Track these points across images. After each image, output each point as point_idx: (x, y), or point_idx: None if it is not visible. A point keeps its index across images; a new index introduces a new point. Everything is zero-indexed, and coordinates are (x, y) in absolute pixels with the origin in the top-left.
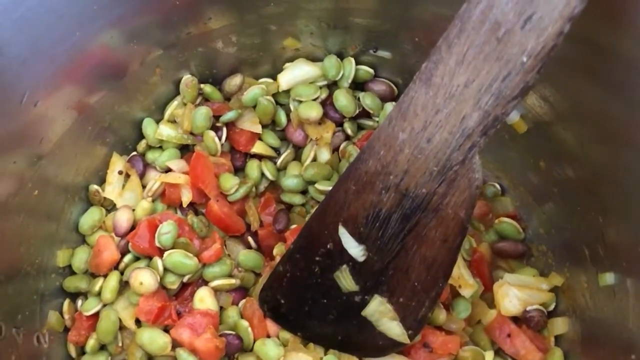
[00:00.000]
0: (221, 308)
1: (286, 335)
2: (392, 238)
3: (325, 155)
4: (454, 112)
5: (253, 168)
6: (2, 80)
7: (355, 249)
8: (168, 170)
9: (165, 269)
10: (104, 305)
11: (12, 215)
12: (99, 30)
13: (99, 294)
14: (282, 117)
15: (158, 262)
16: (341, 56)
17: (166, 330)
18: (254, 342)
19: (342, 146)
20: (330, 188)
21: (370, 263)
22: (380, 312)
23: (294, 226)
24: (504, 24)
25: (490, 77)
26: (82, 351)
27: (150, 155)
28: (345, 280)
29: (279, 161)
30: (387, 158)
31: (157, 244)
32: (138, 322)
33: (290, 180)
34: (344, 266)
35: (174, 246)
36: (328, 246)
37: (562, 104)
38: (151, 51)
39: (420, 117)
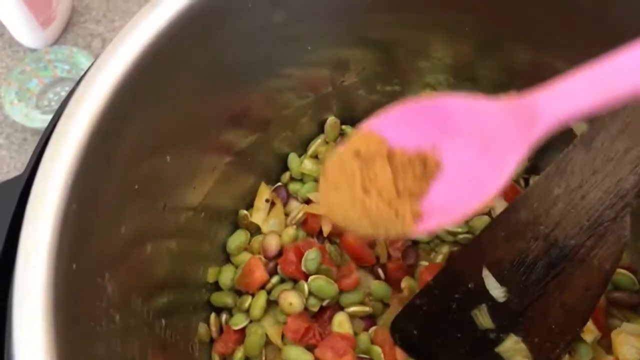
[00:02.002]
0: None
1: None
2: (535, 283)
3: None
4: (611, 174)
5: None
6: (196, 115)
7: (497, 291)
8: (307, 200)
9: (310, 293)
10: (251, 321)
11: (186, 235)
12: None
13: (246, 310)
14: None
15: (304, 285)
16: None
17: (308, 348)
18: None
19: None
20: (458, 229)
21: (509, 304)
22: (514, 350)
23: (424, 263)
24: None
25: None
26: None
27: (292, 187)
28: (483, 318)
29: None
30: (539, 210)
31: (303, 269)
32: (282, 339)
33: None
34: (483, 305)
35: (317, 272)
36: (469, 285)
37: None
38: (309, 98)
39: (577, 176)
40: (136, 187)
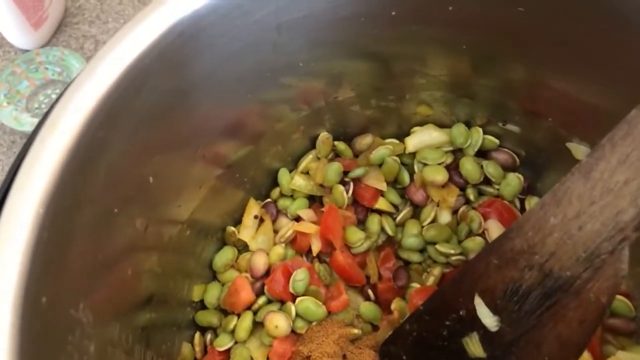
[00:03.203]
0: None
1: None
2: (528, 313)
3: (446, 217)
4: (610, 206)
5: (374, 222)
6: (186, 128)
7: (489, 319)
8: (297, 218)
9: (297, 314)
10: (236, 342)
11: (170, 253)
12: (265, 94)
13: (232, 331)
14: (406, 177)
15: (291, 307)
16: (468, 125)
17: None
18: None
19: (461, 210)
20: (450, 250)
21: (502, 333)
22: None
23: (415, 285)
24: None
25: None
26: None
27: (282, 203)
28: (474, 346)
29: (398, 218)
30: (534, 239)
31: (290, 290)
32: None
33: (412, 240)
34: (474, 333)
35: (305, 293)
36: (460, 312)
37: None
38: (301, 113)
39: (574, 206)
40: (115, 210)
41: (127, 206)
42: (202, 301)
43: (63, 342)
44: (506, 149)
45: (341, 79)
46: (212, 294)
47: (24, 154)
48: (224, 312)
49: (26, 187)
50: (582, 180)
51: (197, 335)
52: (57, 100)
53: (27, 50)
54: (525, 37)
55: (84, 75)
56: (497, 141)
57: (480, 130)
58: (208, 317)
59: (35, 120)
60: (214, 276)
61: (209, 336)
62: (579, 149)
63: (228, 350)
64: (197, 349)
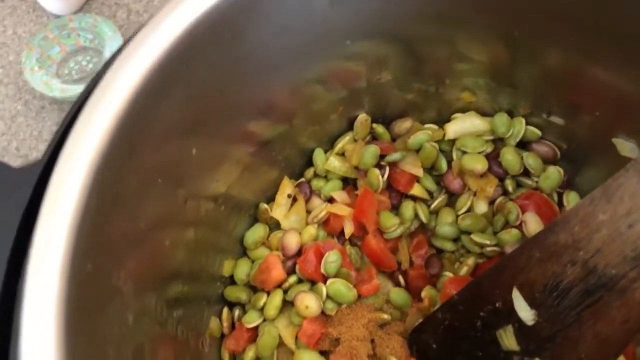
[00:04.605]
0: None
1: None
2: (567, 309)
3: (482, 207)
4: None
5: (408, 208)
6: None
7: (526, 313)
8: (330, 199)
9: (327, 296)
10: (264, 320)
11: (205, 227)
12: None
13: (261, 308)
14: (443, 164)
15: (322, 288)
16: (511, 114)
17: (322, 353)
18: None
19: (498, 200)
20: (485, 241)
21: (538, 328)
22: None
23: (447, 274)
24: None
25: None
26: (233, 359)
27: (316, 183)
28: (508, 339)
29: (432, 205)
30: (580, 234)
31: (322, 271)
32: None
33: (447, 228)
34: (509, 326)
35: (336, 275)
36: (496, 304)
37: None
38: (341, 93)
39: (626, 203)
40: (160, 180)
41: (170, 177)
42: (231, 277)
43: (106, 311)
44: (548, 141)
45: (385, 61)
46: (242, 270)
47: (72, 117)
48: (253, 289)
49: (77, 151)
50: (636, 178)
51: (225, 310)
52: (108, 64)
53: (59, 16)
54: (575, 27)
55: (138, 41)
56: (539, 132)
57: (523, 120)
58: (237, 293)
59: (65, 87)
60: (244, 252)
61: (237, 312)
62: (625, 145)
63: (256, 328)
64: (225, 324)
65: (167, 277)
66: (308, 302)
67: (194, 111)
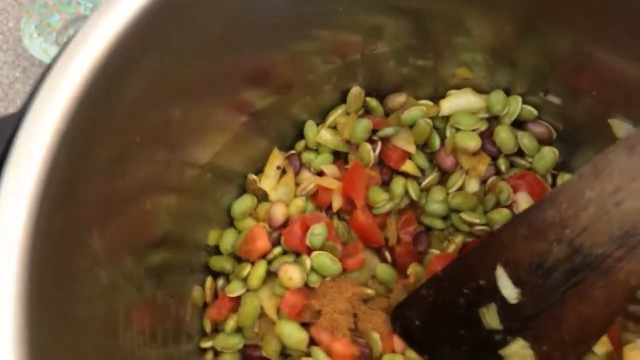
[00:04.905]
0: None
1: (412, 355)
2: (551, 288)
3: (474, 186)
4: None
5: (399, 185)
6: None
7: (510, 291)
8: (320, 172)
9: (311, 268)
10: (247, 290)
11: (189, 194)
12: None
13: (244, 278)
14: (437, 141)
15: (307, 260)
16: (507, 92)
17: (303, 326)
18: (381, 355)
19: (490, 180)
20: (475, 220)
21: (521, 307)
22: (519, 356)
23: (434, 251)
24: None
25: None
26: (214, 328)
27: (306, 156)
28: (491, 317)
29: (423, 182)
30: (568, 212)
31: (307, 243)
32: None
33: (436, 205)
34: (492, 304)
35: (321, 248)
36: (480, 282)
37: None
38: (335, 63)
39: (614, 180)
40: (138, 139)
41: (151, 137)
42: (217, 246)
43: (75, 266)
44: (544, 121)
45: (380, 32)
46: (228, 240)
47: (43, 77)
48: (238, 260)
49: (48, 103)
50: (626, 154)
51: (209, 279)
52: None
53: None
54: (577, 5)
55: None
56: (535, 112)
57: (520, 99)
58: (221, 263)
59: None
60: (231, 223)
61: (220, 282)
62: (621, 126)
63: (238, 298)
64: (208, 292)
65: (148, 242)
66: (291, 274)
67: (180, 72)
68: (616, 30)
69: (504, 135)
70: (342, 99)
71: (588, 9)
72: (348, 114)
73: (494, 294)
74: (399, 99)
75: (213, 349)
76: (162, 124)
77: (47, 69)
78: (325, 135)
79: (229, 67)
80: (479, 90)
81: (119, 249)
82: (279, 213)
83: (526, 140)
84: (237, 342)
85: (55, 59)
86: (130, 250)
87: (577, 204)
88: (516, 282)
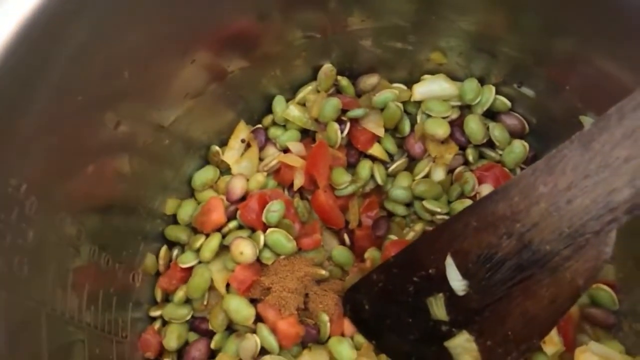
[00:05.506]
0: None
1: (361, 339)
2: (498, 283)
3: (439, 174)
4: (604, 183)
5: (365, 168)
6: (178, 28)
7: (457, 282)
8: (285, 149)
9: (265, 245)
10: (199, 262)
11: (144, 159)
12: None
13: (197, 250)
14: (407, 126)
15: (261, 236)
16: (482, 82)
17: (252, 302)
18: (329, 338)
19: (457, 170)
20: (437, 209)
21: (468, 299)
22: (463, 348)
23: (393, 237)
24: None
25: None
26: (166, 298)
27: (273, 132)
28: (438, 308)
29: (391, 168)
30: (519, 206)
31: (263, 219)
32: (227, 288)
33: (400, 191)
34: (440, 294)
35: (277, 225)
36: (430, 271)
37: None
38: (305, 35)
39: (567, 176)
40: (79, 98)
41: (95, 96)
42: (174, 216)
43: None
44: (517, 114)
45: (354, 3)
46: (186, 210)
47: None
48: (195, 231)
49: None
50: (580, 150)
51: (164, 248)
52: None
53: None
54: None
55: None
56: (508, 103)
57: (494, 88)
58: (177, 233)
59: None
60: (192, 194)
61: (175, 252)
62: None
63: (190, 269)
64: (162, 262)
65: (93, 203)
66: (243, 249)
67: (127, 31)
68: (601, 30)
69: (473, 125)
70: (314, 76)
71: (579, 9)
72: (318, 92)
73: (442, 284)
74: (371, 80)
75: (162, 318)
76: (109, 84)
77: None
78: (294, 112)
79: (191, 23)
80: (453, 77)
81: (54, 208)
82: (237, 187)
83: (497, 132)
84: (185, 313)
85: None
86: (69, 211)
87: (529, 199)
88: (464, 274)
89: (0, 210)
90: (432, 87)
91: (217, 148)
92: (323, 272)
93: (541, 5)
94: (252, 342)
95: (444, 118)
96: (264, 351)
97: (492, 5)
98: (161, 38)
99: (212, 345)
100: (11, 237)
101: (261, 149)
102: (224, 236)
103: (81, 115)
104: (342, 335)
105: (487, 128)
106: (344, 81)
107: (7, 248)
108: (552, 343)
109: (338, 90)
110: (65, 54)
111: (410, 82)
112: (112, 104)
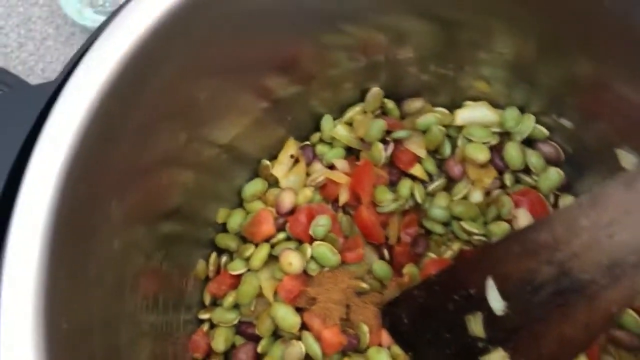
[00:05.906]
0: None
1: (397, 350)
2: (536, 306)
3: (477, 196)
4: None
5: (406, 187)
6: (243, 57)
7: (497, 303)
8: (331, 166)
9: (311, 257)
10: (249, 270)
11: (205, 172)
12: (327, 37)
13: (247, 258)
14: (447, 149)
15: (308, 249)
16: (522, 110)
17: (298, 310)
18: (367, 347)
19: (494, 193)
20: (474, 229)
21: (506, 319)
22: None
23: (431, 254)
24: None
25: None
26: (213, 302)
27: (320, 148)
28: (476, 325)
29: (430, 187)
30: (561, 236)
31: (310, 232)
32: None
33: (438, 211)
34: (479, 313)
35: (324, 238)
36: (470, 291)
37: None
38: (359, 62)
39: (609, 213)
40: (163, 120)
41: (174, 118)
42: (224, 224)
43: (92, 231)
44: (554, 143)
45: (405, 38)
46: (236, 219)
47: (86, 49)
48: (243, 240)
49: (84, 79)
50: (623, 189)
51: (214, 255)
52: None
53: None
54: (601, 33)
55: None
56: (546, 132)
57: (533, 118)
58: (227, 241)
59: (97, 17)
60: (240, 203)
61: (224, 258)
62: (627, 157)
63: (239, 276)
64: (211, 267)
65: (161, 214)
66: (292, 260)
67: (209, 56)
68: (636, 61)
69: (513, 152)
70: (361, 98)
71: (611, 38)
72: (365, 112)
73: (481, 303)
74: (415, 103)
75: (210, 321)
76: (188, 103)
77: (88, 45)
78: (341, 131)
79: (257, 53)
80: (494, 104)
81: (133, 219)
82: (287, 200)
83: (534, 159)
84: (233, 317)
85: (99, 31)
86: (143, 220)
87: (571, 231)
88: (504, 295)
89: (98, 223)
90: (474, 114)
91: (267, 162)
92: (364, 285)
93: (570, 38)
94: (297, 349)
95: (484, 143)
96: (307, 357)
97: (525, 37)
98: (233, 66)
99: (259, 350)
100: (103, 247)
101: (308, 164)
102: (272, 246)
103: (162, 135)
104: (380, 345)
105: (525, 154)
106: (389, 104)
107: (100, 256)
108: None
109: (383, 112)
110: (163, 76)
111: (451, 107)
112: (188, 121)
